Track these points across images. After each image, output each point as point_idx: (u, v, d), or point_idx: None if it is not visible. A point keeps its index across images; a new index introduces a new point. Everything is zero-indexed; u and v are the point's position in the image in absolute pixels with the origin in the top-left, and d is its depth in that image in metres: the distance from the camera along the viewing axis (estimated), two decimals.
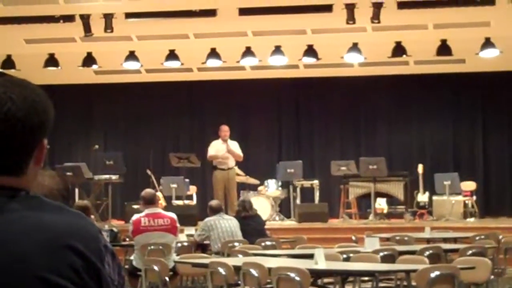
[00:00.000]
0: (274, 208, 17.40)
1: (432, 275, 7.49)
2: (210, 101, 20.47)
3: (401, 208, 17.69)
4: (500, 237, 12.30)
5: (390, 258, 9.22)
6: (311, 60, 17.66)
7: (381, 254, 9.22)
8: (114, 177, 17.44)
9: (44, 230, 1.77)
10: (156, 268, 9.71)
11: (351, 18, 15.09)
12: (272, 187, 17.89)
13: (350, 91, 20.07)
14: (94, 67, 18.20)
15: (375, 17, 15.05)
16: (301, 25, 16.42)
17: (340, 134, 20.60)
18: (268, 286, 7.95)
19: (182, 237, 12.17)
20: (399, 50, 17.07)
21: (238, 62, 17.78)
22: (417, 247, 10.29)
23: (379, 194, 17.57)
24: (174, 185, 17.23)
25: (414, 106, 20.18)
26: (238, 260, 8.91)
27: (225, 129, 16.64)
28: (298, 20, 15.92)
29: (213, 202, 12.45)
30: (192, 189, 18.92)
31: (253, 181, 18.15)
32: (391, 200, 17.99)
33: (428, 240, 12.01)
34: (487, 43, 16.77)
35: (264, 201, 17.23)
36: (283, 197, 18.03)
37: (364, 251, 9.65)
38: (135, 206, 15.22)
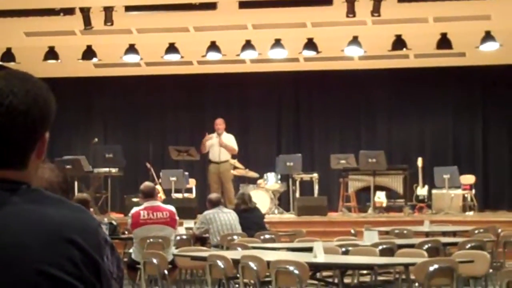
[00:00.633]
0: (273, 201, 17.41)
1: (431, 268, 7.51)
2: (210, 94, 20.47)
3: (400, 201, 17.70)
4: (499, 230, 12.32)
5: (389, 251, 9.24)
6: (311, 53, 17.65)
7: (380, 247, 9.24)
8: (113, 170, 17.45)
9: (44, 223, 1.78)
10: (155, 261, 9.72)
11: (351, 11, 15.09)
12: (271, 180, 17.89)
13: (350, 85, 20.06)
14: (94, 60, 18.19)
15: (375, 10, 15.04)
16: (301, 18, 16.41)
17: (340, 127, 20.59)
18: (267, 279, 7.96)
19: (181, 230, 12.19)
20: (399, 43, 17.06)
21: (238, 55, 17.78)
22: (416, 240, 10.31)
23: (379, 188, 17.57)
24: (174, 178, 17.25)
25: (414, 99, 20.16)
26: (237, 253, 8.93)
27: (217, 123, 16.72)
28: (298, 13, 15.91)
29: (212, 195, 12.47)
30: (192, 182, 18.93)
31: (252, 174, 18.15)
32: (390, 194, 18.00)
33: (427, 234, 12.03)
34: (487, 37, 16.76)
35: (263, 194, 17.24)
36: (282, 190, 18.04)
37: (363, 244, 9.67)
38: (135, 199, 15.24)
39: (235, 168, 17.21)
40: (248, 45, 17.40)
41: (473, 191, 18.05)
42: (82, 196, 9.93)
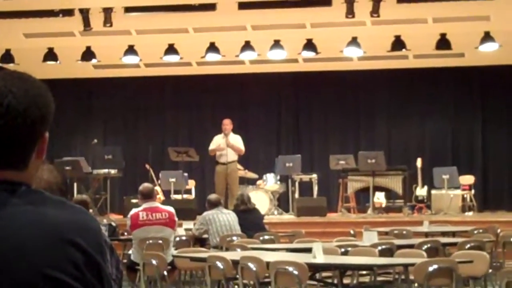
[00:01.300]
0: (273, 202, 17.41)
1: (430, 268, 7.51)
2: (209, 95, 20.46)
3: (399, 202, 17.70)
4: (498, 230, 12.32)
5: (388, 252, 9.24)
6: (310, 54, 17.65)
7: (379, 248, 9.24)
8: (113, 171, 17.45)
9: (45, 225, 1.77)
10: (154, 262, 9.73)
11: (350, 12, 15.10)
12: (270, 181, 17.90)
13: (349, 85, 20.08)
14: (93, 61, 18.19)
15: (375, 11, 15.05)
16: (301, 19, 16.42)
17: (339, 128, 20.59)
18: (266, 280, 7.97)
19: (181, 231, 12.18)
20: (398, 44, 17.06)
21: (237, 56, 17.78)
22: (415, 241, 10.31)
23: (378, 188, 17.58)
24: (173, 179, 17.25)
25: (413, 100, 20.17)
26: (236, 254, 8.93)
27: (225, 123, 16.62)
28: (298, 14, 15.92)
29: (212, 196, 12.46)
30: (191, 183, 18.94)
31: (251, 175, 18.16)
32: (390, 194, 18.01)
33: (426, 234, 12.03)
34: (487, 37, 16.77)
35: (262, 195, 17.24)
36: (281, 191, 18.04)
37: (362, 245, 9.67)
38: (134, 201, 15.23)
39: None
40: (247, 46, 17.41)
41: (473, 191, 18.06)
42: (81, 198, 9.93)
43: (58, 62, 17.92)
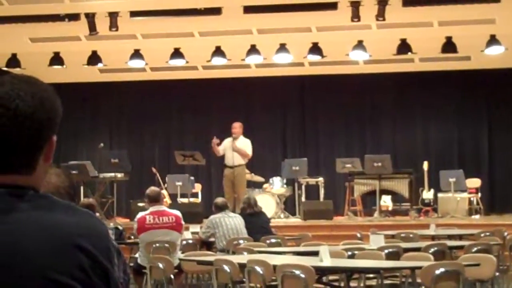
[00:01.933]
0: (279, 206, 17.41)
1: (437, 272, 7.50)
2: (215, 99, 20.47)
3: (406, 205, 17.69)
4: (505, 234, 12.29)
5: (395, 255, 9.23)
6: (316, 58, 17.66)
7: (386, 251, 9.23)
8: (119, 175, 17.45)
9: (53, 229, 1.77)
10: (161, 265, 9.73)
11: (356, 16, 15.09)
12: (277, 185, 17.90)
13: (355, 89, 20.07)
14: (99, 65, 18.23)
15: (380, 14, 15.04)
16: (306, 23, 16.42)
17: (345, 131, 20.60)
18: (273, 283, 7.96)
19: (187, 234, 12.19)
20: (404, 47, 17.06)
21: (243, 60, 17.79)
22: (422, 244, 10.30)
23: (384, 192, 17.56)
24: (179, 183, 17.25)
25: (419, 103, 20.17)
26: (243, 258, 8.93)
27: (233, 126, 16.48)
28: (303, 18, 15.92)
29: (218, 200, 12.46)
30: (197, 187, 18.95)
31: (258, 178, 18.17)
32: (396, 197, 18.00)
33: (433, 237, 12.02)
34: (492, 40, 16.76)
35: (269, 198, 17.25)
36: (288, 195, 18.04)
37: (369, 248, 9.67)
38: (140, 204, 15.24)
39: None
40: (253, 49, 17.41)
41: (479, 194, 18.04)
42: (88, 201, 9.93)
43: (64, 66, 17.96)
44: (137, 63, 18.12)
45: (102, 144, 18.58)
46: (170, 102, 20.80)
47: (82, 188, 16.65)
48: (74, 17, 15.76)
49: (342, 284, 8.57)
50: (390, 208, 17.96)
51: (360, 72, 19.54)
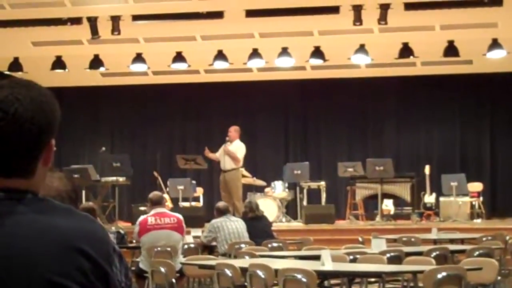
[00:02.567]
0: (281, 210, 17.40)
1: (439, 276, 7.49)
2: (217, 103, 20.47)
3: (408, 209, 17.67)
4: (507, 238, 12.27)
5: (397, 259, 9.22)
6: (318, 62, 17.66)
7: (388, 255, 9.22)
8: (121, 179, 17.45)
9: (53, 233, 1.78)
10: (162, 270, 9.72)
11: (358, 20, 15.09)
12: (278, 189, 17.89)
13: (357, 93, 20.06)
14: (102, 69, 18.23)
15: (382, 18, 15.05)
16: (308, 27, 16.42)
17: (347, 135, 20.58)
18: (275, 287, 7.96)
19: (189, 238, 12.19)
20: (406, 51, 17.05)
21: (245, 64, 17.79)
22: (424, 248, 10.29)
23: (386, 195, 17.55)
24: (181, 187, 17.24)
25: (421, 107, 20.16)
26: (244, 262, 8.92)
27: (229, 130, 16.46)
28: (305, 22, 15.92)
29: (220, 204, 12.47)
30: (199, 191, 18.95)
31: (260, 182, 18.15)
32: (398, 201, 17.97)
33: (435, 241, 12.01)
34: (495, 44, 16.75)
35: (270, 202, 17.24)
36: (289, 199, 18.04)
37: (370, 252, 9.66)
38: (142, 208, 15.24)
39: (242, 176, 17.15)
40: (255, 53, 17.41)
41: (481, 198, 18.02)
42: (88, 205, 9.91)
43: (66, 70, 17.97)
44: (139, 67, 18.13)
45: (104, 148, 18.58)
46: (172, 106, 20.79)
47: (84, 192, 16.65)
48: (76, 21, 15.77)
49: None
50: (392, 212, 17.93)
51: (362, 76, 19.53)
